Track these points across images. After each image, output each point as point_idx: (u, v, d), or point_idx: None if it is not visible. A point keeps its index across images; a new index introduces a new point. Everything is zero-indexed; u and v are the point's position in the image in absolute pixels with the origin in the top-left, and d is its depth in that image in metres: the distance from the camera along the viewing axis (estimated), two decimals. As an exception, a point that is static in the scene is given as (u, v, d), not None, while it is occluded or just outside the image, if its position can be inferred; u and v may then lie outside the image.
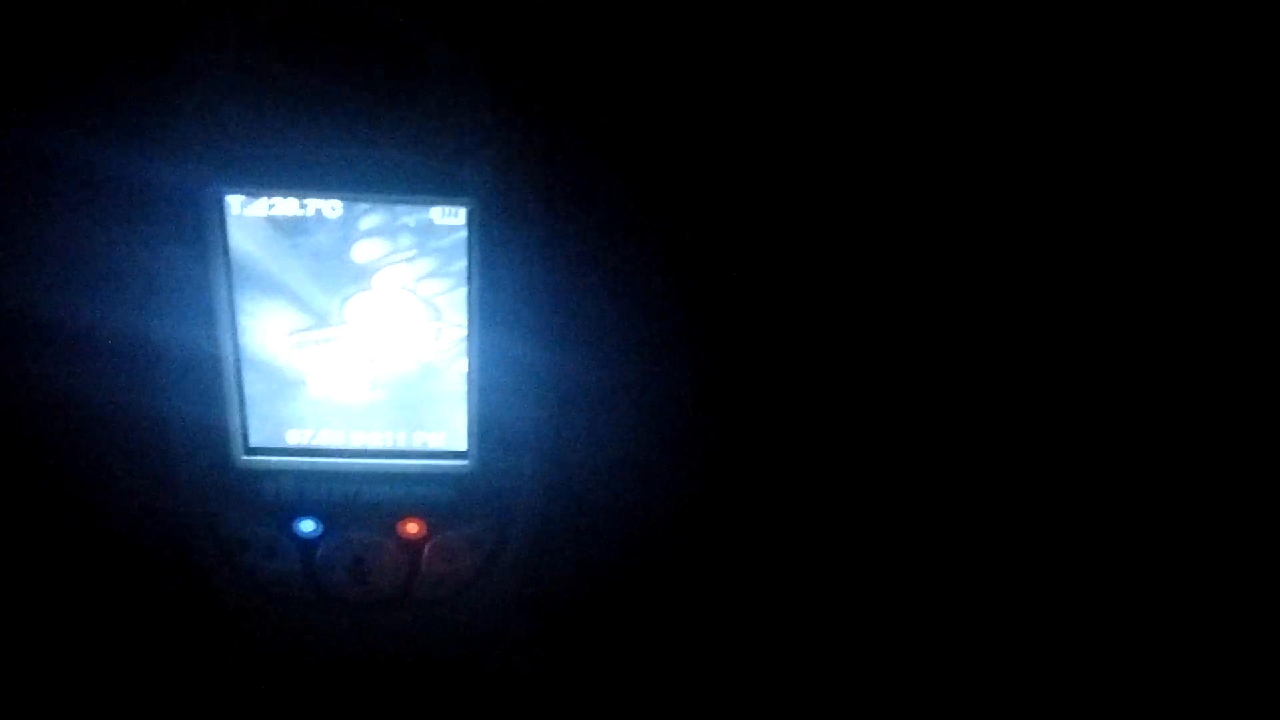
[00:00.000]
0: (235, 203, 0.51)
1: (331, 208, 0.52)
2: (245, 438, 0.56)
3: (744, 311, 0.60)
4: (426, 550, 0.59)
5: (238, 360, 0.55)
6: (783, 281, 0.61)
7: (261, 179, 0.51)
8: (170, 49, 0.50)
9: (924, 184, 0.60)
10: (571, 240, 0.55)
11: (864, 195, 0.60)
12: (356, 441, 0.57)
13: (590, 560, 0.63)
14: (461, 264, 0.54)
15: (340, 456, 0.57)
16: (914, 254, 0.61)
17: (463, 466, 0.58)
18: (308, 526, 0.58)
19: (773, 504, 0.64)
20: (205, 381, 0.55)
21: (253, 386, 0.55)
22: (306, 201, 0.52)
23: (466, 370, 0.56)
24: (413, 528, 0.59)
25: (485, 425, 0.57)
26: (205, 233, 0.52)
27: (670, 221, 0.57)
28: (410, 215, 0.53)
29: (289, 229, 0.52)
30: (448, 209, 0.53)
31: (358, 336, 0.55)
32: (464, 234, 0.53)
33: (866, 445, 0.64)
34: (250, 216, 0.52)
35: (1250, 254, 0.61)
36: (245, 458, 0.56)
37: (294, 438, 0.57)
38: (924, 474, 0.65)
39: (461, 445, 0.58)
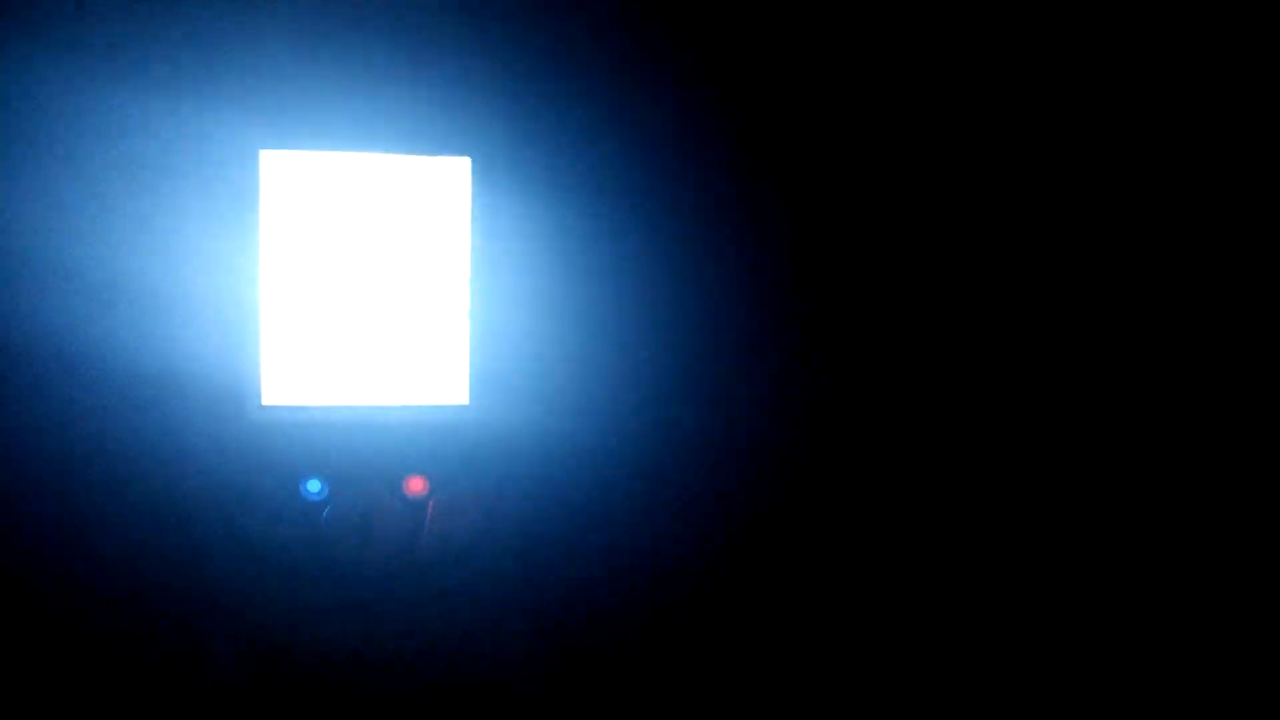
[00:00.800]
0: (267, 157, 0.59)
1: (354, 161, 0.60)
2: (260, 391, 0.59)
3: (737, 270, 0.65)
4: (430, 506, 0.61)
5: (258, 314, 0.59)
6: (770, 241, 0.65)
7: (295, 135, 0.59)
8: (204, 15, 0.59)
9: (928, 183, 0.66)
10: (569, 193, 0.62)
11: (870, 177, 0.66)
12: (365, 397, 0.61)
13: (581, 525, 0.64)
14: (460, 213, 0.61)
15: (349, 411, 0.60)
16: (907, 245, 0.66)
17: (464, 411, 0.61)
18: (315, 487, 0.60)
19: (760, 473, 0.66)
20: (225, 334, 0.59)
21: (269, 341, 0.60)
22: (332, 156, 0.59)
23: (470, 323, 0.61)
24: (417, 484, 0.61)
25: (485, 373, 0.61)
26: (238, 188, 0.58)
27: (665, 176, 0.64)
28: (417, 167, 0.60)
29: (315, 183, 0.59)
30: (453, 159, 0.61)
31: (369, 289, 0.60)
32: (465, 185, 0.61)
33: (866, 410, 0.67)
34: (281, 171, 0.59)
35: (1250, 254, 0.64)
36: (259, 411, 0.59)
37: (306, 396, 0.60)
38: (924, 470, 0.68)
39: (464, 397, 0.61)
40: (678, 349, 0.64)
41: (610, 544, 0.63)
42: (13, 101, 0.57)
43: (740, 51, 0.64)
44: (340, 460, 0.60)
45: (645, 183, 0.63)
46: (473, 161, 0.60)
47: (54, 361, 0.58)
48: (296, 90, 0.59)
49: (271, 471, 0.59)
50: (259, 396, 0.59)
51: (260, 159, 0.58)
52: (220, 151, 0.58)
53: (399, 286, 0.61)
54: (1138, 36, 0.64)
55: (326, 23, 0.59)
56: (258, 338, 0.59)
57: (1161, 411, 0.66)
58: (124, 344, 0.59)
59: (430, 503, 0.61)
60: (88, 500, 0.59)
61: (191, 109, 0.58)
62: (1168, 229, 0.66)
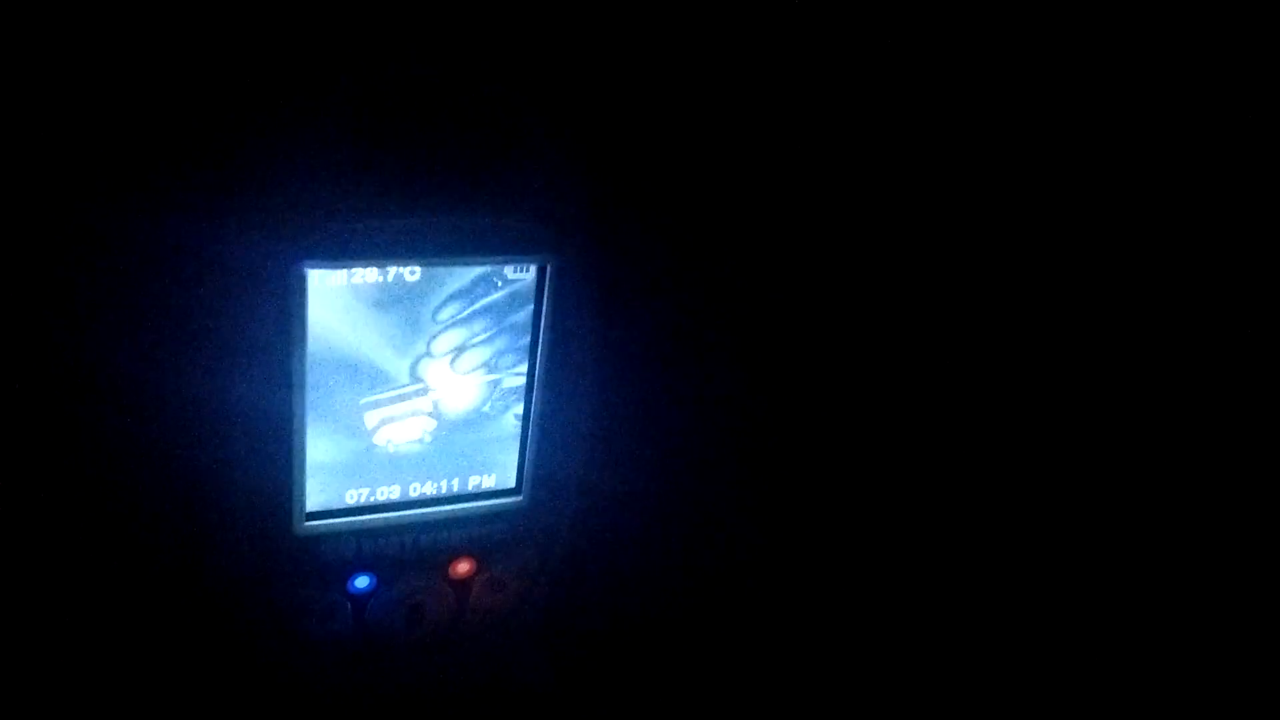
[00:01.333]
0: (315, 275, 0.50)
1: (410, 273, 0.52)
2: (305, 504, 0.55)
3: (794, 375, 0.64)
4: (476, 586, 0.61)
5: (304, 429, 0.53)
6: (836, 346, 0.65)
7: (343, 252, 0.50)
8: (252, 128, 0.48)
9: (963, 228, 0.65)
10: (634, 299, 0.58)
11: (907, 240, 0.64)
12: (413, 492, 0.58)
13: (619, 587, 0.67)
14: (524, 316, 0.56)
15: (396, 509, 0.58)
16: (948, 284, 0.65)
17: (515, 503, 0.60)
18: (363, 583, 0.58)
19: (808, 554, 0.69)
20: (271, 450, 0.53)
21: (316, 452, 0.54)
22: (386, 269, 0.52)
23: (520, 413, 0.58)
24: (464, 566, 0.60)
25: (538, 463, 0.59)
26: (286, 305, 0.50)
27: (721, 287, 0.61)
28: (483, 273, 0.54)
29: (367, 296, 0.52)
30: (519, 267, 0.54)
31: (426, 394, 0.56)
32: (531, 287, 0.55)
33: (904, 485, 0.69)
34: (330, 286, 0.51)
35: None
36: (306, 524, 0.55)
37: (352, 497, 0.57)
38: (955, 485, 0.69)
39: (512, 483, 0.60)
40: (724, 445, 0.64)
41: (637, 611, 0.66)
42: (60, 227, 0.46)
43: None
44: (387, 555, 0.58)
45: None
46: (541, 267, 0.54)
47: (103, 477, 0.51)
48: (344, 205, 0.49)
49: (319, 576, 0.57)
50: (304, 508, 0.55)
51: (306, 275, 0.50)
52: (265, 269, 0.49)
53: (453, 385, 0.56)
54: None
55: (378, 126, 0.49)
56: (304, 451, 0.54)
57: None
58: (170, 461, 0.52)
59: (475, 582, 0.61)
60: (131, 616, 0.55)
61: (245, 227, 0.48)
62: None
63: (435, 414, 0.56)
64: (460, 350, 0.55)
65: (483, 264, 0.53)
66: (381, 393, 0.55)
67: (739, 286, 0.62)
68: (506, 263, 0.54)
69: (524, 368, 0.57)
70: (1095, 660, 0.68)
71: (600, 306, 0.57)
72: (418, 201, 0.51)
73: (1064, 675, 0.68)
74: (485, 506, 0.59)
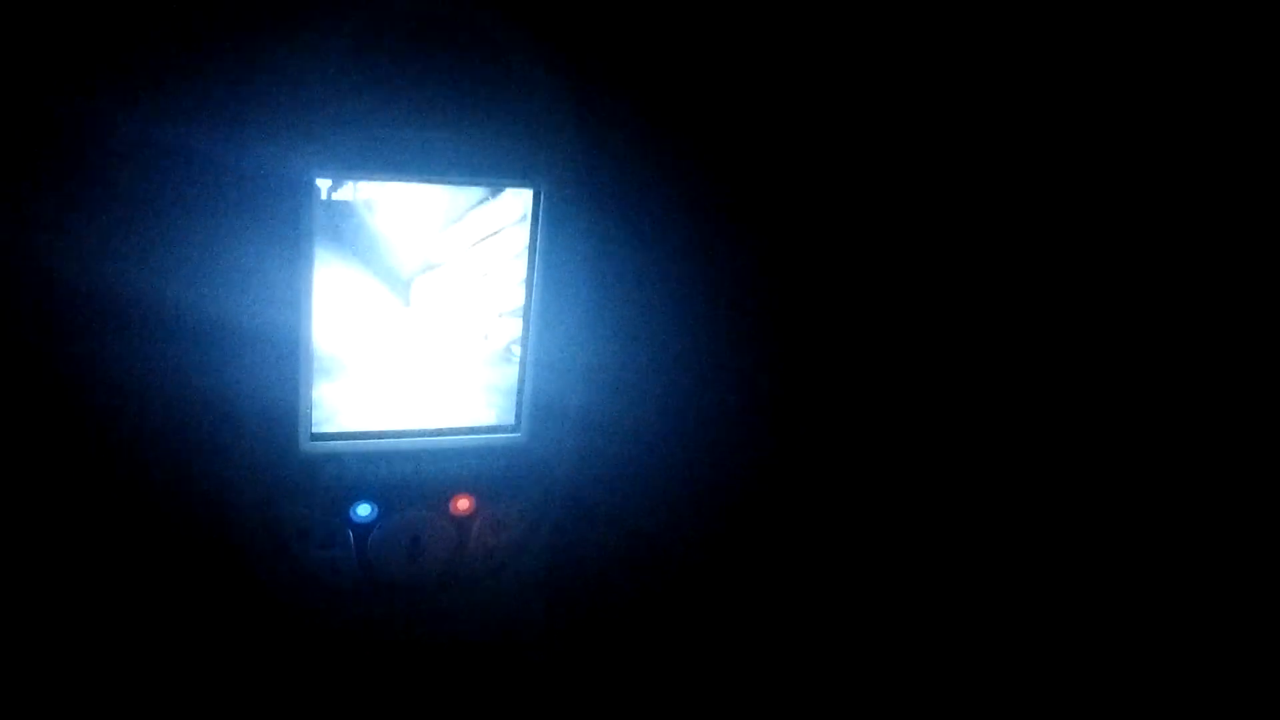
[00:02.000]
0: (324, 186, 0.54)
1: (412, 190, 0.56)
2: (310, 424, 0.57)
3: (794, 306, 0.66)
4: (476, 525, 0.62)
5: (311, 346, 0.56)
6: (833, 279, 0.66)
7: (351, 163, 0.54)
8: (262, 42, 0.52)
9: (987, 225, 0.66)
10: (628, 225, 0.61)
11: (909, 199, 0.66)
12: (415, 422, 0.60)
13: (615, 539, 0.68)
14: (523, 245, 0.59)
15: (400, 437, 0.60)
16: (958, 275, 0.67)
17: (514, 439, 0.62)
18: (364, 510, 0.59)
19: (798, 497, 0.70)
20: (278, 367, 0.56)
21: (322, 371, 0.57)
22: (389, 185, 0.55)
23: (520, 347, 0.60)
24: (464, 503, 0.62)
25: (536, 399, 0.61)
26: (294, 216, 0.53)
27: (726, 216, 0.63)
28: (481, 196, 0.57)
29: (371, 211, 0.55)
30: (516, 191, 0.57)
31: (423, 317, 0.58)
32: (527, 214, 0.58)
33: (898, 419, 0.70)
34: (336, 200, 0.54)
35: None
36: (310, 444, 0.57)
37: (356, 421, 0.59)
38: (951, 474, 0.70)
39: (511, 419, 0.62)
40: (719, 381, 0.65)
41: (641, 549, 0.67)
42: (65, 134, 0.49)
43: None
44: (389, 483, 0.60)
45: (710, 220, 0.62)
46: (536, 192, 0.57)
47: (106, 393, 0.54)
48: (354, 117, 0.53)
49: (322, 498, 0.58)
50: (310, 428, 0.57)
51: (316, 187, 0.53)
52: (275, 179, 0.53)
53: (452, 314, 0.59)
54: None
55: (387, 47, 0.53)
56: (310, 369, 0.56)
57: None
58: (175, 375, 0.55)
59: (476, 520, 0.62)
60: (134, 531, 0.57)
61: (246, 137, 0.52)
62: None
63: (437, 340, 0.59)
64: (459, 275, 0.58)
65: (477, 184, 0.57)
66: (385, 312, 0.57)
67: (740, 214, 0.64)
68: (501, 184, 0.57)
69: (523, 297, 0.60)
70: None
71: (597, 234, 0.59)
72: (421, 119, 0.54)
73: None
74: (484, 441, 0.61)
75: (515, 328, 0.60)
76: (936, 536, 0.71)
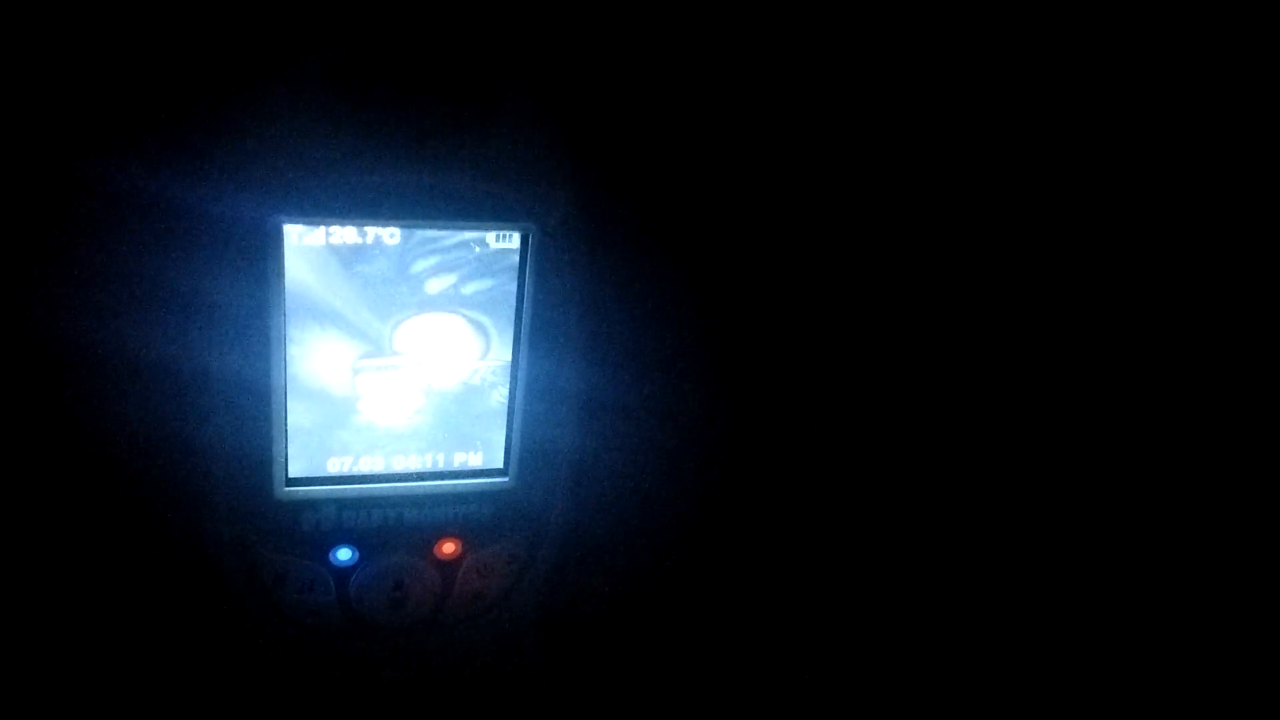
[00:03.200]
0: (293, 232, 0.51)
1: (390, 235, 0.52)
2: (286, 469, 0.55)
3: (777, 344, 0.63)
4: (462, 568, 0.60)
5: (285, 390, 0.54)
6: (817, 321, 0.64)
7: (321, 208, 0.51)
8: (233, 84, 0.49)
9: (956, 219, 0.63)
10: (618, 267, 0.58)
11: (891, 229, 0.63)
12: (397, 465, 0.58)
13: (612, 572, 0.65)
14: (510, 287, 0.55)
15: (380, 482, 0.57)
16: (940, 277, 0.65)
17: (502, 484, 0.59)
18: (345, 555, 0.58)
19: (793, 528, 0.67)
20: (251, 412, 0.53)
21: (297, 416, 0.55)
22: (365, 229, 0.52)
23: (508, 389, 0.57)
24: (449, 547, 0.59)
25: (525, 442, 0.58)
26: (262, 262, 0.51)
27: (710, 254, 0.60)
28: (465, 240, 0.54)
29: (346, 257, 0.52)
30: (502, 234, 0.54)
31: (409, 362, 0.55)
32: (515, 258, 0.55)
33: (882, 463, 0.67)
34: (308, 245, 0.51)
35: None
36: (286, 489, 0.55)
37: (334, 465, 0.56)
38: (938, 481, 0.68)
39: (499, 463, 0.59)
40: (708, 421, 0.62)
41: (635, 590, 0.65)
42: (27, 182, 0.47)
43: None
44: (370, 529, 0.58)
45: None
46: (524, 235, 0.54)
47: (80, 442, 0.52)
48: (324, 161, 0.50)
49: (300, 544, 0.57)
50: (285, 474, 0.55)
51: (284, 232, 0.50)
52: (242, 224, 0.50)
53: (437, 358, 0.56)
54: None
55: (359, 88, 0.49)
56: (284, 415, 0.54)
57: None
58: (148, 424, 0.53)
59: (462, 564, 0.60)
60: (111, 578, 0.56)
61: (212, 182, 0.49)
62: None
63: (420, 385, 0.56)
64: (442, 319, 0.55)
65: (463, 229, 0.53)
66: (363, 358, 0.55)
67: (729, 258, 0.60)
68: (487, 229, 0.53)
69: (509, 341, 0.56)
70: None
71: (587, 278, 0.56)
72: (399, 162, 0.51)
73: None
74: (471, 485, 0.59)
75: (503, 372, 0.57)
76: (925, 561, 0.70)
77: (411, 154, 0.51)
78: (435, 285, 0.54)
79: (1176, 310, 0.64)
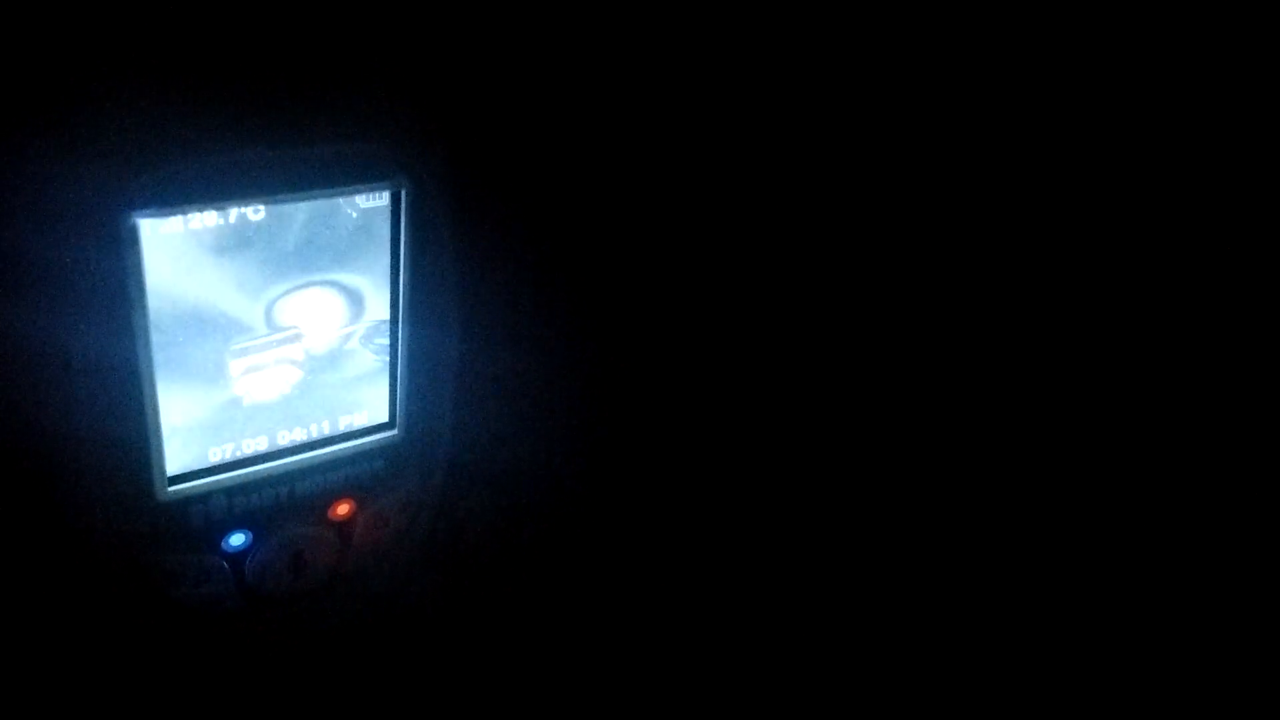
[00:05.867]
0: (148, 225, 0.45)
1: (254, 211, 0.48)
2: (164, 469, 0.51)
3: (645, 296, 0.63)
4: (359, 526, 0.59)
5: (154, 388, 0.49)
6: (712, 272, 0.64)
7: (173, 197, 0.45)
8: (74, 72, 0.42)
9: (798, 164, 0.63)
10: (489, 222, 0.55)
11: (772, 193, 0.63)
12: (282, 440, 0.55)
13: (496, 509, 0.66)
14: (385, 248, 0.52)
15: (267, 460, 0.54)
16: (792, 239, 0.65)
17: (390, 437, 0.58)
18: (238, 540, 0.55)
19: (663, 462, 0.69)
20: (121, 415, 0.49)
21: (172, 412, 0.50)
22: (226, 210, 0.47)
23: (388, 345, 0.55)
24: (344, 508, 0.58)
25: (410, 395, 0.57)
26: (118, 258, 0.45)
27: (587, 211, 0.58)
28: (334, 205, 0.50)
29: (209, 242, 0.47)
30: (372, 195, 0.51)
31: (287, 339, 0.52)
32: (387, 217, 0.52)
33: (748, 410, 0.69)
34: (166, 235, 0.46)
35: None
36: (169, 490, 0.52)
37: (216, 454, 0.53)
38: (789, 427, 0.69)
39: (385, 418, 0.57)
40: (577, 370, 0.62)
41: (514, 522, 0.65)
42: None
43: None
44: (263, 509, 0.55)
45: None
46: (395, 194, 0.51)
47: None
48: (169, 148, 0.44)
49: (191, 540, 0.53)
50: (165, 473, 0.51)
51: (136, 224, 0.45)
52: (93, 219, 0.44)
53: (316, 327, 0.53)
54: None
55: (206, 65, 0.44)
56: (157, 413, 0.50)
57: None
58: (16, 435, 0.47)
59: (358, 522, 0.59)
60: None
61: (71, 177, 0.42)
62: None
63: (298, 358, 0.53)
64: (318, 289, 0.52)
65: (330, 195, 0.49)
66: (239, 342, 0.51)
67: (607, 207, 0.60)
68: (356, 192, 0.50)
69: (387, 300, 0.54)
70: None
71: (462, 231, 0.54)
72: (253, 134, 0.46)
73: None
74: (359, 445, 0.57)
75: (381, 329, 0.55)
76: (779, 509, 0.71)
77: (265, 124, 0.46)
78: (307, 256, 0.50)
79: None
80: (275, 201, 0.48)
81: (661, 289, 0.65)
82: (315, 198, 0.49)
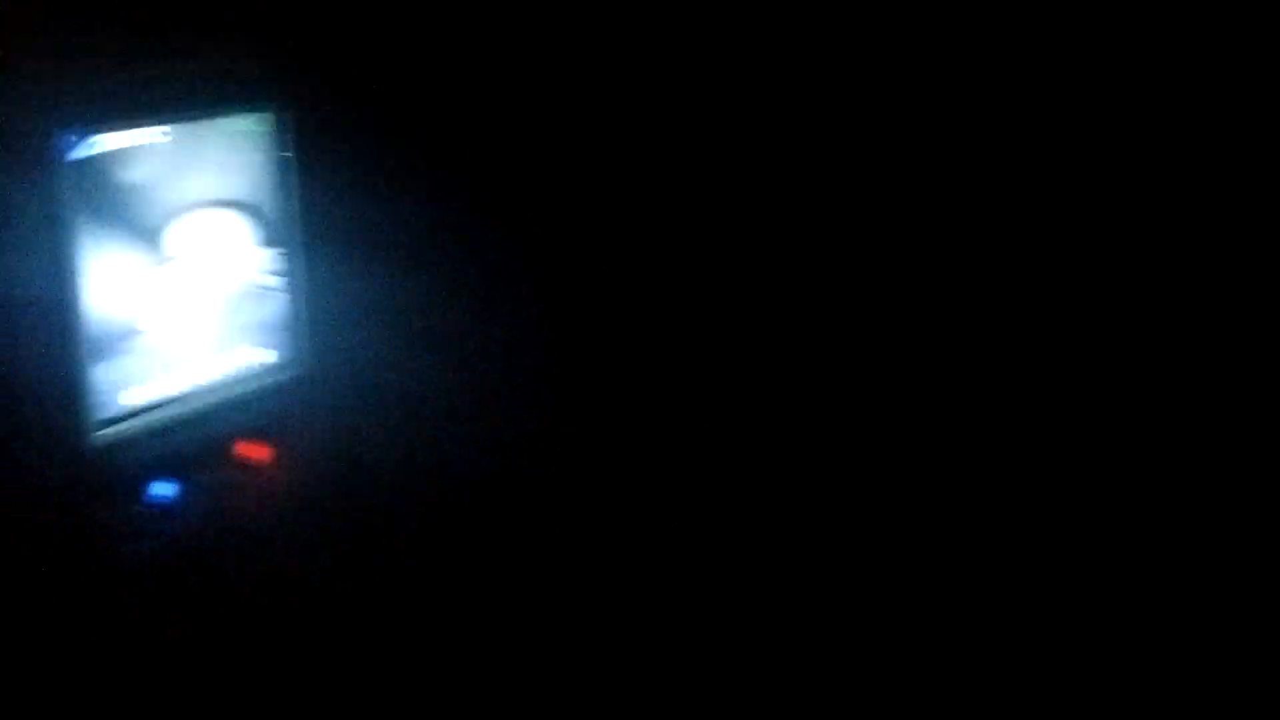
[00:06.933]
0: (63, 145, 0.47)
1: (163, 133, 0.50)
2: (94, 410, 0.51)
3: (568, 229, 0.66)
4: (275, 467, 0.60)
5: (82, 323, 0.49)
6: (611, 201, 0.66)
7: (89, 117, 0.47)
8: None
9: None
10: (381, 147, 0.58)
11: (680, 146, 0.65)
12: (197, 378, 0.56)
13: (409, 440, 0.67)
14: (279, 175, 0.56)
15: (185, 403, 0.55)
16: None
17: (297, 374, 0.60)
18: (165, 490, 0.55)
19: (598, 410, 0.70)
20: (49, 353, 0.49)
21: (91, 353, 0.50)
22: (134, 133, 0.49)
23: (289, 279, 0.58)
24: (262, 451, 0.59)
25: (315, 329, 0.59)
26: (42, 180, 0.46)
27: (481, 137, 0.62)
28: (231, 131, 0.53)
29: (118, 166, 0.49)
30: (263, 117, 0.54)
31: (189, 265, 0.53)
32: (279, 142, 0.55)
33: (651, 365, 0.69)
34: (79, 158, 0.47)
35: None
36: (99, 433, 0.51)
37: (135, 396, 0.53)
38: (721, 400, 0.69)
39: (291, 354, 0.59)
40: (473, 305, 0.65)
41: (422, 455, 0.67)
42: None
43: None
44: (186, 454, 0.55)
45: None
46: (280, 117, 0.54)
47: None
48: (86, 72, 0.47)
49: (120, 486, 0.53)
50: (95, 414, 0.51)
51: (59, 144, 0.46)
52: (13, 140, 0.45)
53: (214, 259, 0.55)
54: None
55: None
56: (84, 349, 0.50)
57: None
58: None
59: (277, 462, 0.60)
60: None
61: None
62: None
63: (208, 294, 0.55)
64: (215, 214, 0.54)
65: (219, 115, 0.53)
66: (146, 270, 0.52)
67: (507, 131, 0.63)
68: (245, 114, 0.53)
69: (285, 230, 0.57)
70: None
71: (357, 156, 0.58)
72: (151, 61, 0.49)
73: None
74: (267, 381, 0.59)
75: (284, 263, 0.57)
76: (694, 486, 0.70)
77: (157, 50, 0.50)
78: (205, 181, 0.53)
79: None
80: (177, 121, 0.51)
81: (561, 213, 0.68)
82: (202, 118, 0.52)
